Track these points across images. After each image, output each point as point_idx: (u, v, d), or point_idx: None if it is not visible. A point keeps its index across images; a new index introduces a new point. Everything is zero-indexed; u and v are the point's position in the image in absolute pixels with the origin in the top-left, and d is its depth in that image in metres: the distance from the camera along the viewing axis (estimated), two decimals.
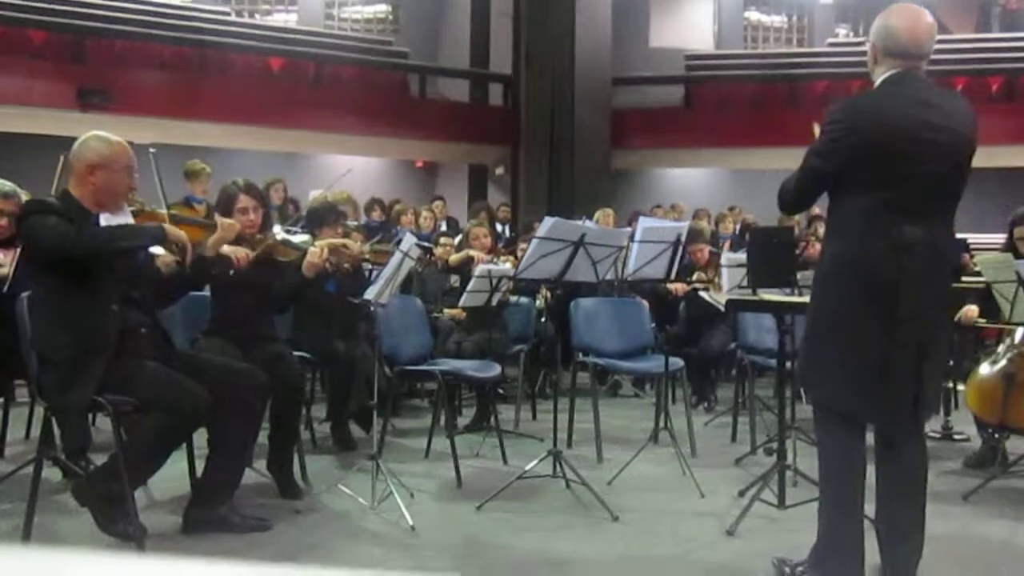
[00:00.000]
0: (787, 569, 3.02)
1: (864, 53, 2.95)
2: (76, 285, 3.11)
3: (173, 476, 3.57)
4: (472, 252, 6.02)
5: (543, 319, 6.56)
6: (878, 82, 2.83)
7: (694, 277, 6.27)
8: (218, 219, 3.67)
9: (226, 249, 3.60)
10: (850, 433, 2.81)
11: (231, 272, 3.70)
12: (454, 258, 6.14)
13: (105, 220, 3.22)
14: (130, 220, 3.31)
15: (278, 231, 4.02)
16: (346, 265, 4.24)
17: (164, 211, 3.42)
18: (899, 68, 2.77)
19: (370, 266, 4.99)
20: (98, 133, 3.28)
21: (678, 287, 6.17)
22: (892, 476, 2.83)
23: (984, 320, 4.61)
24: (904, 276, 2.67)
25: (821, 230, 4.79)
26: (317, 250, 3.90)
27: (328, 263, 4.00)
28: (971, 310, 4.67)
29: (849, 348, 2.75)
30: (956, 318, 4.67)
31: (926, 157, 2.69)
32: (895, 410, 2.75)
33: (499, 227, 10.27)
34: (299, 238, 3.97)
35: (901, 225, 2.67)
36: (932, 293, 2.74)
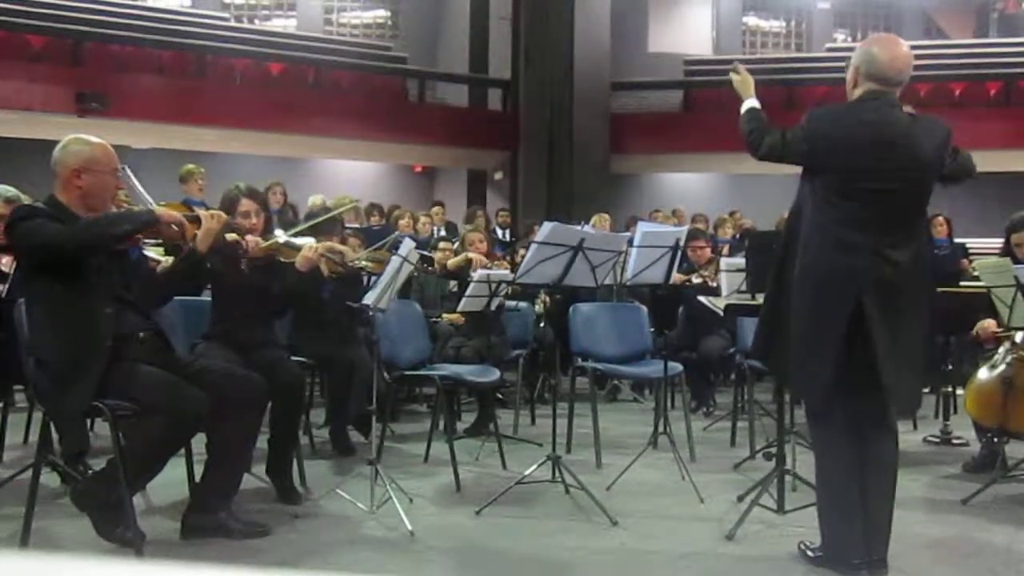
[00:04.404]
0: (809, 552, 3.19)
1: None
2: (68, 290, 3.09)
3: (172, 481, 3.56)
4: (471, 255, 6.01)
5: (542, 324, 6.55)
6: (852, 100, 3.08)
7: (694, 278, 6.27)
8: (200, 212, 3.55)
9: (232, 236, 3.56)
10: (840, 430, 3.02)
11: (237, 258, 3.63)
12: (453, 262, 6.12)
13: None
14: None
15: (280, 235, 4.00)
16: (339, 268, 4.22)
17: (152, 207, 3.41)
18: (874, 90, 3.01)
19: (366, 272, 4.98)
20: (78, 136, 3.25)
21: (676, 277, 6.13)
22: (864, 471, 3.01)
23: (1002, 330, 4.37)
24: (858, 278, 2.92)
25: None
26: (313, 245, 3.88)
27: (323, 259, 3.96)
28: (989, 323, 4.50)
29: (810, 342, 3.00)
30: (974, 332, 4.62)
31: (884, 175, 2.93)
32: (854, 399, 2.99)
33: (499, 232, 10.28)
34: (301, 240, 3.95)
35: (857, 234, 2.93)
36: (896, 298, 2.95)
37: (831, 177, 2.98)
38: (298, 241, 3.92)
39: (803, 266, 3.00)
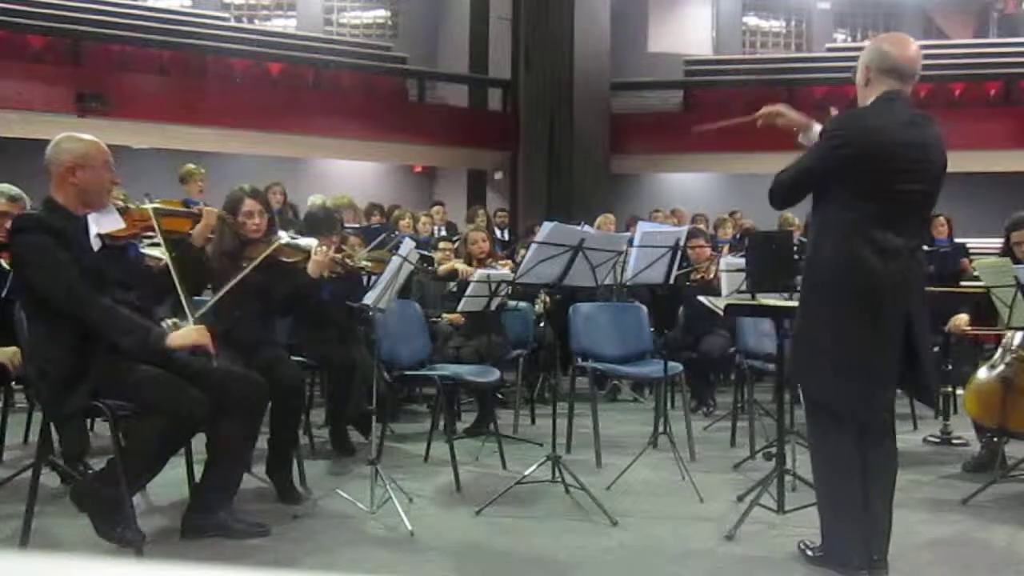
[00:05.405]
0: (809, 552, 3.18)
1: None
2: None
3: (172, 481, 3.56)
4: (458, 265, 6.00)
5: (542, 324, 6.55)
6: (872, 100, 3.01)
7: (694, 275, 6.27)
8: (202, 208, 3.65)
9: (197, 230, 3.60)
10: (842, 431, 3.00)
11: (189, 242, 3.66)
12: (443, 269, 6.14)
13: (93, 220, 3.21)
14: (117, 218, 3.29)
15: (283, 235, 4.03)
16: (339, 268, 4.27)
17: (149, 206, 3.44)
18: (891, 88, 2.97)
19: (366, 272, 4.99)
20: (69, 134, 3.26)
21: None
22: (864, 471, 3.00)
23: (971, 328, 4.62)
24: (886, 279, 2.90)
25: None
26: (323, 250, 3.93)
27: (332, 262, 4.02)
28: (961, 318, 4.70)
29: (837, 344, 2.97)
30: (946, 327, 4.70)
31: (911, 175, 2.93)
32: (876, 400, 3.01)
33: (498, 232, 10.27)
34: (304, 241, 3.99)
35: (882, 234, 2.90)
36: (913, 296, 2.97)
37: (868, 179, 2.91)
38: (301, 242, 3.95)
39: (835, 267, 2.95)
